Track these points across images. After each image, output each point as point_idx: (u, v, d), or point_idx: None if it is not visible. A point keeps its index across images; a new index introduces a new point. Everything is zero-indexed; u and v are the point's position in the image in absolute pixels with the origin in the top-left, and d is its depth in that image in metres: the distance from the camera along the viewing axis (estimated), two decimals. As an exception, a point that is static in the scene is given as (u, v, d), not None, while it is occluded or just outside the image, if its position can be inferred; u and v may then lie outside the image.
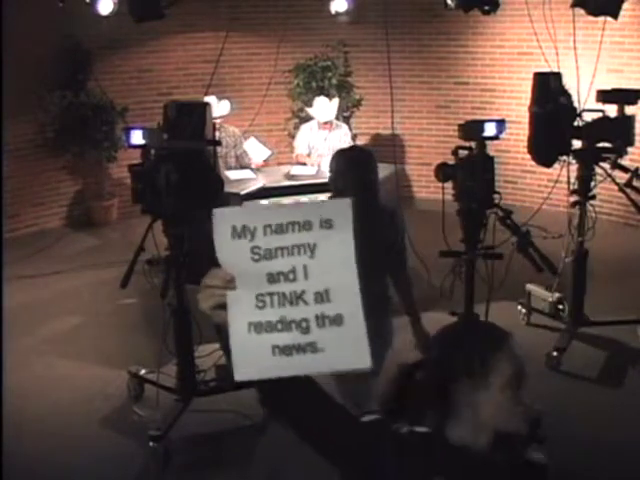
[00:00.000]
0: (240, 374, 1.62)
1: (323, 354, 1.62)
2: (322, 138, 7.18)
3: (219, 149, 6.83)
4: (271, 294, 1.64)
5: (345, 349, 1.62)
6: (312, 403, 1.73)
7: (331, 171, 3.75)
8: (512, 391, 1.80)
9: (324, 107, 7.21)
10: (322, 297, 1.63)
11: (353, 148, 4.08)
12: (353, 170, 3.68)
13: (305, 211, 1.65)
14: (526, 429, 1.82)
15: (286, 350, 1.62)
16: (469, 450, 1.77)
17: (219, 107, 6.99)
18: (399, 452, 1.74)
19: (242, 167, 7.04)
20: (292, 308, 1.63)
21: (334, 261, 1.63)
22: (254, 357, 1.63)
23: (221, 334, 1.68)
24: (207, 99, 6.84)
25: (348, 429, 1.75)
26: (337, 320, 1.62)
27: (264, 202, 6.37)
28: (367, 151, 4.04)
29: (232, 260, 1.64)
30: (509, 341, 1.85)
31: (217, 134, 6.79)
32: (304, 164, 7.11)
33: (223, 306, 1.62)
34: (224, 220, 1.67)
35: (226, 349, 1.66)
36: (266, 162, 7.38)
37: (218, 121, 6.95)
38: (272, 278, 1.64)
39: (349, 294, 1.63)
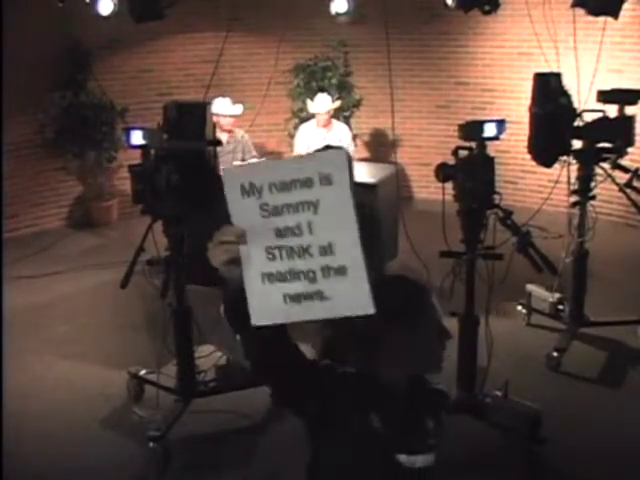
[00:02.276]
0: (256, 319, 1.80)
1: (330, 302, 1.80)
2: (321, 137, 7.18)
3: (222, 151, 6.86)
4: (280, 247, 1.80)
5: (349, 297, 1.79)
6: (286, 353, 1.95)
7: None
8: (430, 338, 2.02)
9: (324, 102, 7.23)
10: (326, 250, 1.79)
11: (328, 148, 4.06)
12: None
13: (305, 167, 1.79)
14: (438, 371, 2.08)
15: (296, 298, 1.80)
16: (390, 387, 2.04)
17: (233, 109, 7.02)
18: (337, 389, 2.00)
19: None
20: (299, 260, 1.80)
21: (336, 217, 1.77)
22: (268, 304, 1.80)
23: (226, 287, 1.85)
24: (220, 100, 6.88)
25: (309, 371, 2.00)
26: (341, 271, 1.78)
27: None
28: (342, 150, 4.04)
29: (243, 216, 1.80)
30: (429, 294, 2.06)
31: (225, 137, 6.83)
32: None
33: (235, 261, 1.79)
34: (233, 179, 1.81)
35: (227, 302, 1.86)
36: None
37: (230, 121, 6.98)
38: (280, 233, 1.80)
39: (351, 247, 1.78)
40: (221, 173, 1.88)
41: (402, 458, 2.03)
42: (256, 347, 1.91)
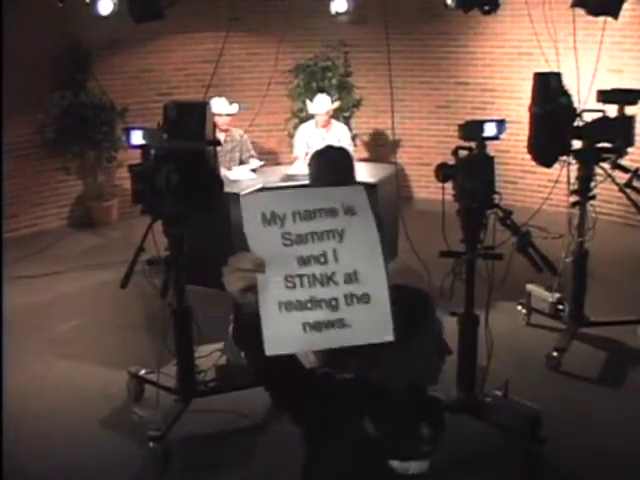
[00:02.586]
0: (271, 349, 1.78)
1: (350, 329, 1.80)
2: (320, 137, 7.20)
3: (220, 150, 6.85)
4: (301, 276, 1.79)
5: (371, 324, 1.80)
6: (289, 368, 1.95)
7: (310, 173, 3.74)
8: (430, 351, 2.04)
9: (323, 103, 7.24)
10: (351, 278, 1.80)
11: (329, 148, 4.03)
12: (331, 171, 3.68)
13: (328, 197, 1.83)
14: (434, 383, 2.09)
15: (316, 326, 1.79)
16: (387, 394, 2.01)
17: (229, 108, 7.02)
18: (334, 395, 2.00)
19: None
20: (322, 288, 1.79)
21: (361, 245, 1.81)
22: (285, 333, 1.78)
23: (238, 311, 1.86)
24: (217, 100, 6.89)
25: (308, 380, 2.00)
26: (364, 298, 1.80)
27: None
28: (343, 151, 4.02)
29: (263, 245, 1.79)
30: (430, 305, 2.06)
31: (222, 136, 6.84)
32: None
33: (251, 288, 1.77)
34: (253, 207, 1.81)
35: (237, 324, 1.87)
36: (265, 163, 7.40)
37: (227, 120, 6.99)
38: (303, 261, 1.80)
39: (376, 274, 1.81)
40: (222, 173, 1.89)
41: (395, 464, 2.03)
42: (261, 365, 1.93)
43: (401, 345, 1.99)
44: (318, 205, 1.81)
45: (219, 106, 6.91)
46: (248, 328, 1.83)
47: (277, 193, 1.90)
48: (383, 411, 2.04)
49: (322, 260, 1.80)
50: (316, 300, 1.79)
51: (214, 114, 6.67)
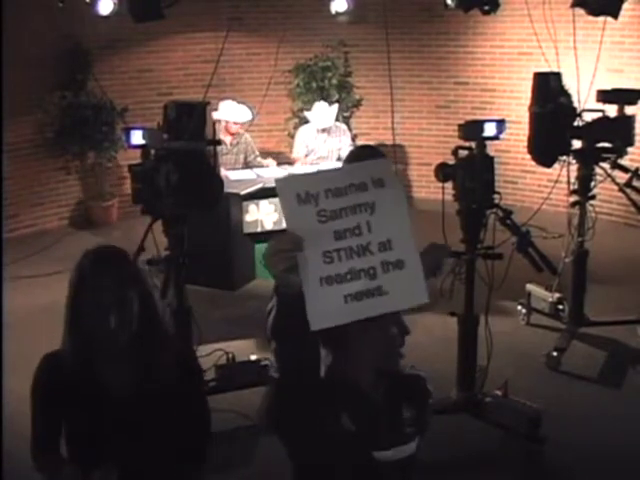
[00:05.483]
0: (316, 324, 1.84)
1: (388, 296, 1.89)
2: (322, 140, 7.20)
3: (228, 151, 6.87)
4: (338, 250, 1.88)
5: (407, 289, 1.91)
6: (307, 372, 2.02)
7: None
8: (389, 337, 2.06)
9: (323, 113, 7.22)
10: (385, 246, 1.91)
11: (362, 148, 4.01)
12: None
13: (357, 173, 1.95)
14: (397, 364, 2.11)
15: (357, 296, 1.88)
16: (360, 387, 2.06)
17: (238, 111, 6.98)
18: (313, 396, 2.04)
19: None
20: (360, 259, 1.89)
21: (391, 214, 1.92)
22: (328, 307, 1.86)
23: (277, 294, 1.91)
24: (225, 103, 6.89)
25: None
26: (399, 264, 1.91)
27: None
28: (375, 150, 4.01)
29: (300, 224, 1.86)
30: None
31: (228, 139, 6.85)
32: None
33: (293, 269, 1.83)
34: (288, 189, 1.89)
35: (279, 309, 1.90)
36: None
37: (239, 125, 6.98)
38: (339, 235, 1.89)
39: (406, 241, 1.92)
40: (222, 173, 1.91)
41: (379, 455, 2.04)
42: (288, 363, 1.97)
43: (364, 333, 2.00)
44: (348, 181, 1.90)
45: (233, 113, 6.87)
46: (289, 316, 1.87)
47: (309, 174, 2.02)
48: (357, 406, 2.04)
49: (357, 232, 1.89)
50: (355, 271, 1.87)
51: (228, 121, 6.72)
